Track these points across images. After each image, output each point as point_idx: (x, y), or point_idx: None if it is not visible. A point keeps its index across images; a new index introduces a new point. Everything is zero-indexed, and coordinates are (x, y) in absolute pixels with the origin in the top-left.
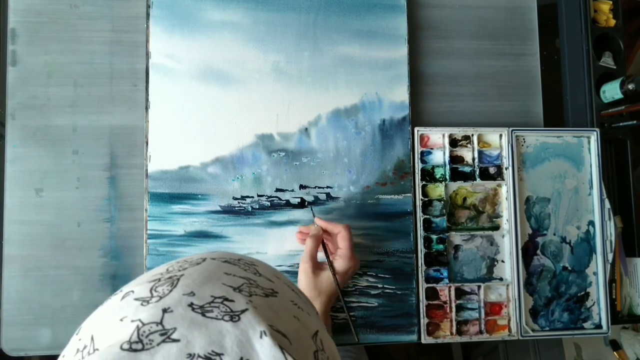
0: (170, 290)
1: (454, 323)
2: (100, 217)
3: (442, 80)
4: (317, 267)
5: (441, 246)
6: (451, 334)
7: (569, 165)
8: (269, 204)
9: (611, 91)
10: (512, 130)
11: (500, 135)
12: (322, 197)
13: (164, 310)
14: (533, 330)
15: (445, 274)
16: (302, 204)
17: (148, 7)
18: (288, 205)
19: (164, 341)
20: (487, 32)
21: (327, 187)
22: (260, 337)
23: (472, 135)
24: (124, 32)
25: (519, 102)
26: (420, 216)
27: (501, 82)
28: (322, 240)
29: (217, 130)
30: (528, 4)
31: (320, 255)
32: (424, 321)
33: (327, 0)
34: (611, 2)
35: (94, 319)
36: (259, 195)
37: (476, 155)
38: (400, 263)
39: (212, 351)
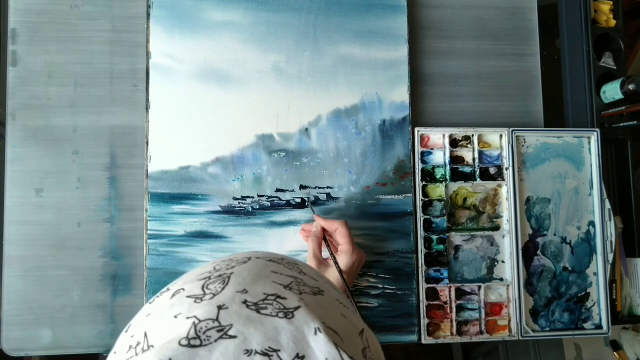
0: (223, 288)
1: (454, 323)
2: (101, 217)
3: (442, 81)
4: (322, 265)
5: (441, 246)
6: (451, 334)
7: (569, 166)
8: (269, 204)
9: (611, 91)
10: (513, 131)
11: (501, 136)
12: (323, 197)
13: (219, 307)
14: (533, 331)
15: (445, 274)
16: (302, 204)
17: (148, 7)
18: (288, 205)
19: (221, 337)
20: (487, 32)
21: (328, 187)
22: (315, 333)
23: (473, 135)
24: (124, 32)
25: (519, 102)
26: (420, 216)
27: (501, 82)
28: (322, 238)
29: (217, 131)
30: (528, 4)
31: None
32: (424, 321)
33: (327, 1)
34: (611, 3)
35: (144, 317)
36: (259, 196)
37: (476, 155)
38: (400, 263)
39: (269, 347)
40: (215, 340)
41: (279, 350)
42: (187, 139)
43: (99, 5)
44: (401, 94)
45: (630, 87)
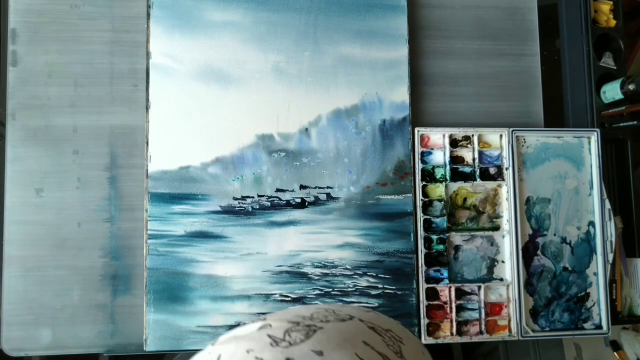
0: (302, 341)
1: (454, 323)
2: (101, 217)
3: (442, 81)
4: None
5: (441, 246)
6: (451, 334)
7: (569, 166)
8: (269, 204)
9: (611, 91)
10: (513, 131)
11: (501, 136)
12: (323, 197)
13: (287, 359)
14: (533, 331)
15: (445, 274)
16: (302, 204)
17: (148, 7)
18: (288, 205)
19: None
20: (487, 32)
21: (328, 187)
22: None
23: (473, 135)
24: (125, 32)
25: (519, 103)
26: (420, 216)
27: (501, 82)
28: None
29: (217, 131)
30: (528, 5)
31: None
32: (424, 321)
33: (327, 1)
34: (611, 3)
35: (229, 338)
36: (259, 196)
37: (476, 155)
38: (400, 263)
39: None
40: None
41: None
42: (187, 139)
43: (99, 5)
44: (401, 94)
45: (631, 87)
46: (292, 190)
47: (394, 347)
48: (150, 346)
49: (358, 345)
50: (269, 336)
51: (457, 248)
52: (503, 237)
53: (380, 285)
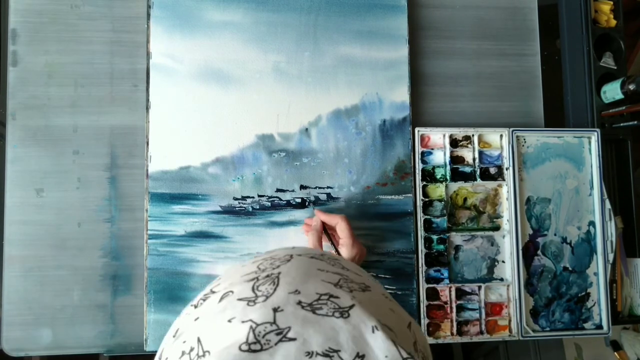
0: (275, 289)
1: (455, 323)
2: (101, 217)
3: (442, 81)
4: None
5: (442, 246)
6: (452, 334)
7: (569, 166)
8: (269, 204)
9: (612, 91)
10: (513, 131)
11: (501, 136)
12: (323, 197)
13: (275, 310)
14: (534, 331)
15: (445, 274)
16: (302, 204)
17: (149, 7)
18: (288, 205)
19: (281, 340)
20: (487, 32)
21: (328, 187)
22: (373, 331)
23: (473, 135)
24: (125, 33)
25: (519, 103)
26: (420, 216)
27: (502, 82)
28: (322, 232)
29: (217, 131)
30: (529, 5)
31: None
32: (424, 321)
33: (327, 1)
34: (612, 3)
35: (191, 321)
36: (259, 196)
37: (477, 155)
38: (400, 263)
39: (329, 348)
40: (276, 344)
41: (339, 351)
42: (187, 139)
43: (99, 5)
44: (401, 94)
45: (631, 87)
46: (293, 191)
47: (337, 264)
48: (150, 346)
49: (316, 273)
50: (240, 299)
51: (457, 248)
52: (503, 237)
53: None
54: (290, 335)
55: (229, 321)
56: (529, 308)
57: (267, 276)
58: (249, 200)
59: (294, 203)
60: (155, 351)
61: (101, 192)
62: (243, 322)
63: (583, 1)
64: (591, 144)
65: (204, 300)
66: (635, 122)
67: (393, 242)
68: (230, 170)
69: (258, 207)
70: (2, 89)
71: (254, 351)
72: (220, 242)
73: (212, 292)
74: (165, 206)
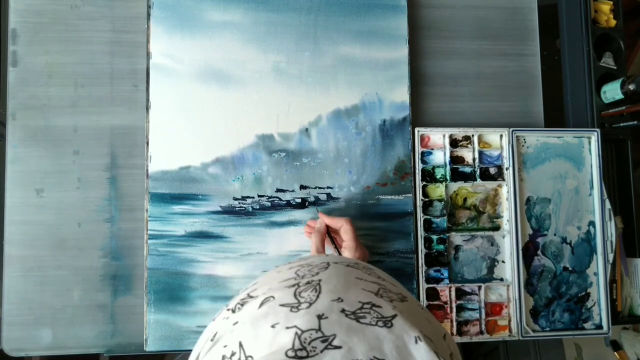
0: (317, 296)
1: (455, 323)
2: (101, 218)
3: (442, 81)
4: None
5: (441, 246)
6: (451, 334)
7: (569, 166)
8: (269, 204)
9: (612, 91)
10: (513, 131)
11: (501, 136)
12: (323, 197)
13: (319, 317)
14: (534, 331)
15: (445, 274)
16: (302, 204)
17: (149, 7)
18: (289, 205)
19: (326, 348)
20: (487, 32)
21: (328, 187)
22: (416, 342)
23: (473, 135)
24: (125, 33)
25: (519, 103)
26: (420, 216)
27: (502, 82)
28: (326, 234)
29: (217, 131)
30: (529, 5)
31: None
32: None
33: (327, 1)
34: (612, 3)
35: (230, 325)
36: (259, 196)
37: (477, 155)
38: (400, 263)
39: (374, 357)
40: (322, 351)
41: None
42: (187, 139)
43: (99, 5)
44: (401, 94)
45: (631, 87)
46: (293, 191)
47: (372, 274)
48: (150, 346)
49: (356, 282)
50: (283, 305)
51: (457, 248)
52: (503, 237)
53: None
54: (335, 343)
55: (273, 327)
56: (529, 308)
57: (308, 283)
58: (249, 201)
59: (294, 203)
60: (156, 351)
61: (101, 192)
62: (288, 328)
63: (583, 1)
64: (591, 144)
65: (242, 304)
66: (635, 122)
67: (393, 242)
68: (230, 170)
69: (258, 207)
70: (2, 89)
71: (301, 357)
72: (220, 242)
73: (250, 296)
74: (165, 206)
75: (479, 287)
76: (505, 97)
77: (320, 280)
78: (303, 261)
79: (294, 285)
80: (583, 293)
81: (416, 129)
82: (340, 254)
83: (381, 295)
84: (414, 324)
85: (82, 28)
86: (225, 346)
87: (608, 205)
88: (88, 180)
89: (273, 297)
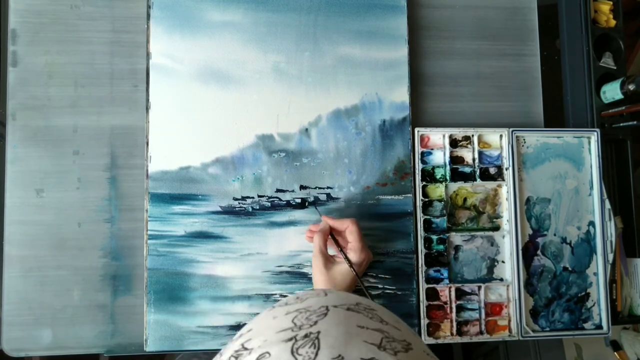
0: (316, 354)
1: (454, 323)
2: (101, 218)
3: (442, 81)
4: (329, 261)
5: (441, 246)
6: (451, 334)
7: (569, 166)
8: (269, 204)
9: (611, 92)
10: (513, 131)
11: (501, 136)
12: (323, 197)
13: None
14: (533, 331)
15: (445, 274)
16: (302, 205)
17: (148, 7)
18: (289, 205)
19: None
20: (487, 32)
21: (328, 187)
22: None
23: (473, 135)
24: (125, 33)
25: (519, 103)
26: (420, 217)
27: (501, 82)
28: (329, 234)
29: (217, 131)
30: (528, 5)
31: (332, 253)
32: (424, 322)
33: (327, 1)
34: (611, 3)
35: None
36: (259, 196)
37: (476, 155)
38: (400, 263)
39: None
40: None
41: None
42: (187, 139)
43: (99, 5)
44: (401, 94)
45: (631, 87)
46: (292, 191)
47: (375, 317)
48: (150, 346)
49: (358, 332)
50: None
51: (457, 248)
52: (503, 237)
53: (380, 286)
54: None
55: None
56: (529, 308)
57: (306, 336)
58: (249, 201)
59: (294, 203)
60: (156, 351)
61: (101, 192)
62: None
63: (583, 1)
64: (591, 144)
65: (237, 358)
66: (635, 122)
67: (393, 242)
68: (230, 170)
69: (258, 208)
70: (2, 89)
71: None
72: (220, 242)
73: (245, 348)
74: (165, 206)
75: (479, 287)
76: (505, 97)
77: (319, 333)
78: (300, 304)
79: (291, 340)
80: (583, 293)
81: (416, 129)
82: (344, 255)
83: (384, 348)
84: None
85: (82, 28)
86: None
87: (608, 205)
88: (88, 180)
89: (269, 353)
